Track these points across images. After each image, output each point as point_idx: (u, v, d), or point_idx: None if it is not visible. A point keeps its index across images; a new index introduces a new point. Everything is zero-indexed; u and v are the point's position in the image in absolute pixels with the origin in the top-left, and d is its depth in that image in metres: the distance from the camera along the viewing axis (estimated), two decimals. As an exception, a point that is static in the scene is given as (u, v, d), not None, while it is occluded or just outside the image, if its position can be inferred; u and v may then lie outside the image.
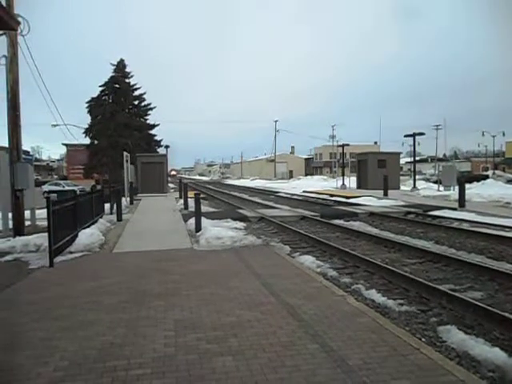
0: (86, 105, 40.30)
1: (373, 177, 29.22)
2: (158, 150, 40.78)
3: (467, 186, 19.02)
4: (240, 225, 12.06)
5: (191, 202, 15.15)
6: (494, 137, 63.48)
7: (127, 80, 41.08)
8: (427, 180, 38.62)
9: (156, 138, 41.87)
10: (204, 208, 14.30)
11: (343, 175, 34.61)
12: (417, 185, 28.03)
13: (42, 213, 11.50)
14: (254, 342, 3.74)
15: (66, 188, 30.82)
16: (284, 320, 4.28)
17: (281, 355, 3.47)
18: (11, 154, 9.92)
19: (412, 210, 15.30)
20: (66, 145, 51.21)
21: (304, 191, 29.58)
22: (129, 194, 21.12)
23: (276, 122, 71.72)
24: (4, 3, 9.35)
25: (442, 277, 6.55)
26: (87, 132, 39.96)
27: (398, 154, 34.21)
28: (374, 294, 5.61)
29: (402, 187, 29.56)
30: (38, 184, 27.91)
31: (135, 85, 41.34)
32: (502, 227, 11.04)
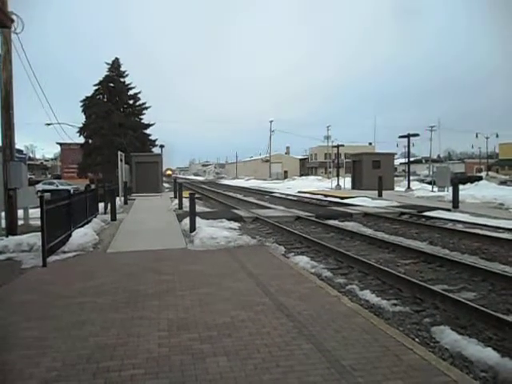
0: (81, 104, 40.18)
1: (367, 177, 29.34)
2: (153, 149, 40.69)
3: (461, 187, 19.15)
4: (235, 225, 12.06)
5: (186, 202, 15.13)
6: (487, 138, 64.11)
7: (122, 79, 41.00)
8: (421, 181, 38.81)
9: (151, 137, 41.79)
10: (199, 208, 14.26)
11: (338, 176, 34.71)
12: (411, 185, 28.18)
13: (35, 212, 11.43)
14: (248, 343, 3.73)
15: (60, 187, 30.61)
16: (278, 320, 4.28)
17: (275, 355, 3.47)
18: (4, 152, 9.84)
19: (406, 210, 15.36)
20: (60, 144, 50.89)
21: (299, 191, 29.61)
22: (123, 193, 21.03)
23: (271, 122, 71.94)
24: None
25: (435, 277, 6.58)
26: (81, 131, 39.79)
27: (393, 154, 34.46)
28: (368, 295, 5.62)
29: (397, 188, 29.70)
30: (32, 183, 27.64)
31: (130, 84, 41.28)
32: (496, 228, 11.12)
